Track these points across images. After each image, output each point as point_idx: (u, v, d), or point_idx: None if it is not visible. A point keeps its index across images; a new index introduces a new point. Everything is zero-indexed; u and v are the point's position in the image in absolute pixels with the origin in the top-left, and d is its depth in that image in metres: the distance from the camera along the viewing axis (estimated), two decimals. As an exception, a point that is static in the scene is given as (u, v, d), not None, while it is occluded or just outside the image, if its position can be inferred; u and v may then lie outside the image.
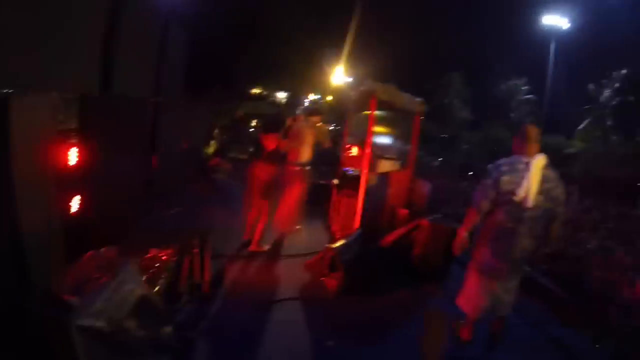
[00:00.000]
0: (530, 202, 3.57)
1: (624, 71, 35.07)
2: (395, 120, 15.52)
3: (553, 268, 7.11)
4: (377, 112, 7.25)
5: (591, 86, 36.67)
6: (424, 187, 8.53)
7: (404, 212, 7.12)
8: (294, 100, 41.98)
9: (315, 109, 7.47)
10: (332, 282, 5.13)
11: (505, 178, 3.64)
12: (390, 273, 5.73)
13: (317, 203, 8.56)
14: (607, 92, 36.01)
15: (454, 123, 41.23)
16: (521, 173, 3.62)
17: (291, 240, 7.00)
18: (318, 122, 7.21)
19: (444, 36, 45.13)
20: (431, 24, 45.25)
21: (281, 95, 46.59)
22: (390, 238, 6.05)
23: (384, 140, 14.76)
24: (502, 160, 3.77)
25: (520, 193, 3.56)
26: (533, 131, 3.91)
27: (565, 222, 18.11)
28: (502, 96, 42.36)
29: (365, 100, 7.09)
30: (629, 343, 4.65)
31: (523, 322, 5.09)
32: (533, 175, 3.57)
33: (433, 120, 42.69)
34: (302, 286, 5.28)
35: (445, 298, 4.65)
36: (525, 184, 3.57)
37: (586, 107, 36.91)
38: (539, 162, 3.67)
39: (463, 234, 3.92)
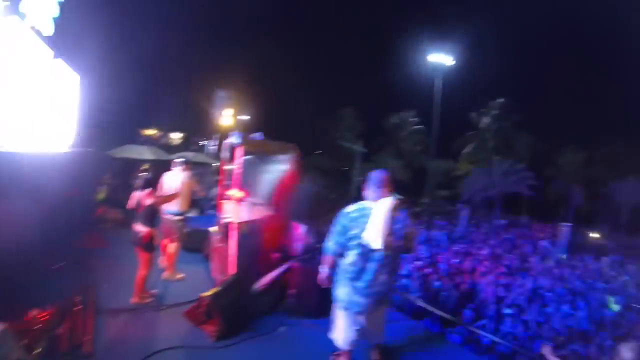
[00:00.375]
0: (378, 243, 3.66)
1: (500, 100, 38.99)
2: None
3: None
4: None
5: (473, 114, 40.24)
6: (299, 230, 8.75)
7: (275, 255, 7.08)
8: (189, 142, 41.18)
9: (186, 161, 7.71)
10: (210, 329, 5.10)
11: (352, 224, 3.82)
12: (269, 314, 5.86)
13: (200, 250, 8.67)
14: (486, 119, 39.48)
15: (347, 156, 41.98)
16: (367, 217, 3.75)
17: (174, 289, 6.79)
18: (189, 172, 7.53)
19: (336, 74, 46.67)
20: (325, 64, 46.83)
21: (175, 136, 45.44)
22: (265, 281, 6.13)
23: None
24: (350, 207, 3.95)
25: (368, 236, 3.69)
26: (380, 177, 3.97)
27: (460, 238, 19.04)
28: (392, 128, 44.07)
29: (233, 151, 7.31)
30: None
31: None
32: (379, 218, 3.68)
33: (328, 155, 44.05)
34: (183, 335, 5.11)
35: (322, 333, 4.62)
36: (371, 227, 3.69)
37: (470, 133, 40.12)
38: (385, 205, 3.75)
39: (324, 272, 4.13)
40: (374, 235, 3.64)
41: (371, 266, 3.78)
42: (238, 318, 5.26)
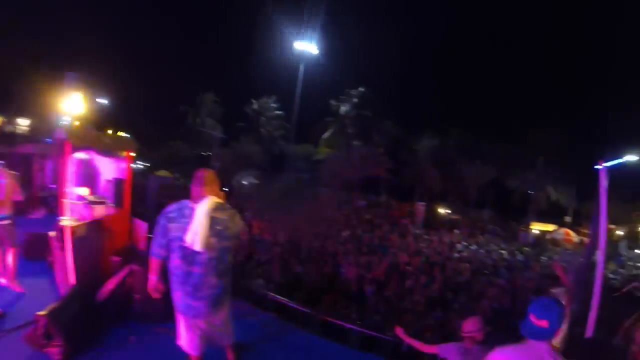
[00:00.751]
0: (200, 245, 3.48)
1: (361, 89, 40.03)
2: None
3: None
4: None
5: (333, 102, 40.64)
6: (143, 228, 7.90)
7: (116, 259, 6.38)
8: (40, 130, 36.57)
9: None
10: (53, 351, 4.33)
11: (172, 225, 3.60)
12: (116, 323, 5.17)
13: (43, 257, 7.47)
14: (345, 107, 40.26)
15: (207, 142, 40.35)
16: (187, 218, 3.55)
17: (15, 307, 5.65)
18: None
19: (197, 58, 44.78)
20: (184, 48, 44.61)
21: (23, 123, 39.80)
22: (107, 288, 5.52)
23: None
24: (170, 207, 3.71)
25: (188, 238, 3.49)
26: (203, 175, 3.75)
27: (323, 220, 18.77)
28: (253, 114, 43.07)
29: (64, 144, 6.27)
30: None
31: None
32: (199, 220, 3.51)
33: (186, 140, 41.97)
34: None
35: (173, 339, 4.12)
36: (192, 228, 3.50)
37: (329, 119, 40.47)
38: (206, 205, 3.59)
39: (152, 279, 3.76)
40: (195, 236, 3.46)
41: (196, 269, 3.58)
42: (83, 334, 4.69)
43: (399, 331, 4.61)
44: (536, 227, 34.25)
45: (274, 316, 5.85)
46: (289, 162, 35.23)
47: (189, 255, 3.57)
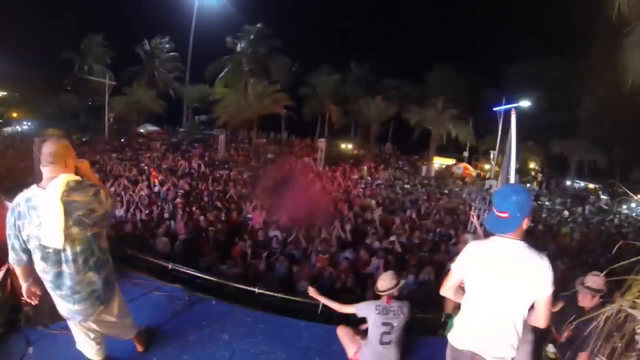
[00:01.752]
0: (60, 241, 2.76)
1: (258, 25, 38.60)
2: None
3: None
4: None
5: (229, 38, 39.00)
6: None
7: None
8: None
9: None
10: None
11: (22, 221, 2.80)
12: (8, 333, 4.28)
13: None
14: (242, 44, 38.92)
15: (97, 90, 37.47)
16: (38, 210, 2.76)
17: None
18: None
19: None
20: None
21: None
22: None
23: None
24: (17, 199, 2.86)
25: (44, 234, 2.75)
26: (50, 150, 2.88)
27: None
28: (145, 56, 40.53)
29: None
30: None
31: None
32: (52, 210, 2.73)
33: (75, 91, 38.86)
34: None
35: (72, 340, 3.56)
36: (45, 222, 2.73)
37: (225, 57, 38.90)
38: (58, 189, 2.75)
39: (24, 286, 3.16)
40: (51, 231, 2.75)
41: (66, 268, 2.94)
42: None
43: (312, 291, 4.33)
44: (437, 161, 35.62)
45: (181, 288, 5.21)
46: (185, 104, 34.06)
47: (51, 254, 2.91)
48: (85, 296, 3.07)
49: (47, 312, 4.17)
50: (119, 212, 10.26)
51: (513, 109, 3.77)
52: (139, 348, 3.90)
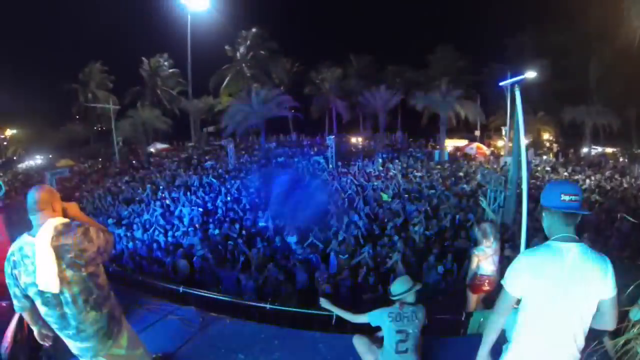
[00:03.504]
0: (55, 286, 2.78)
1: (253, 30, 38.89)
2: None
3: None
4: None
5: (227, 47, 39.37)
6: None
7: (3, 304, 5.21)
8: None
9: None
10: None
11: (18, 270, 2.84)
12: None
13: None
14: (241, 50, 39.25)
15: (103, 116, 37.98)
16: (31, 258, 2.80)
17: None
18: None
19: (73, 27, 41.67)
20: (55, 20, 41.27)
21: None
22: (7, 341, 4.41)
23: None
24: (11, 248, 2.92)
25: (40, 281, 2.77)
26: (34, 197, 2.90)
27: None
28: (146, 76, 40.80)
29: None
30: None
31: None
32: (43, 256, 2.75)
33: (81, 120, 39.31)
34: None
35: None
36: (39, 269, 2.75)
37: (226, 66, 39.21)
38: (46, 235, 2.77)
39: (35, 330, 3.25)
40: (45, 277, 2.78)
41: (67, 310, 2.97)
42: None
43: (324, 302, 4.20)
44: (449, 144, 35.13)
45: (195, 309, 5.21)
46: (192, 118, 34.26)
47: (51, 298, 2.94)
48: (92, 334, 3.09)
49: (66, 349, 4.31)
50: (139, 234, 10.35)
51: (516, 85, 3.73)
52: None
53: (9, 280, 2.97)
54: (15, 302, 3.07)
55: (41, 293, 2.88)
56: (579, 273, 2.21)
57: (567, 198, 2.28)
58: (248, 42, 38.91)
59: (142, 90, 40.26)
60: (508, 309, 2.46)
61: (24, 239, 2.91)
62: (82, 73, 39.61)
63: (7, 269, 2.94)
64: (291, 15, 47.67)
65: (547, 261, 2.27)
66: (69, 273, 2.88)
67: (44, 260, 2.81)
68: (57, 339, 3.43)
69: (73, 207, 3.14)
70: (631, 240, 9.05)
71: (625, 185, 19.27)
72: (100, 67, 40.13)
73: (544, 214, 2.44)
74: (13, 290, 3.00)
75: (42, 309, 2.98)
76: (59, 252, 2.84)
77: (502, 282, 2.42)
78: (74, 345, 3.17)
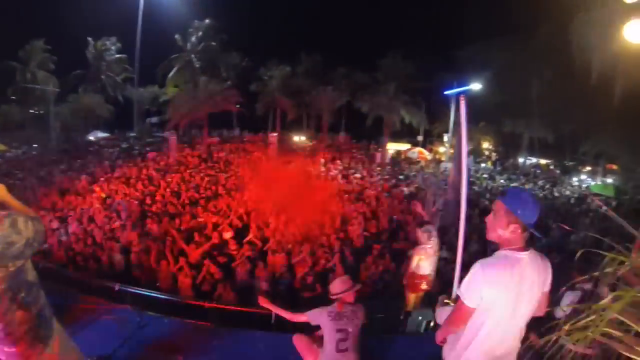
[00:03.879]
0: None
1: (207, 21, 38.73)
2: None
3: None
4: None
5: (177, 36, 38.73)
6: None
7: None
8: None
9: None
10: None
11: None
12: None
13: None
14: (192, 40, 38.81)
15: (42, 99, 36.15)
16: None
17: None
18: None
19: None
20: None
21: None
22: None
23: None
24: None
25: None
26: None
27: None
28: (91, 59, 39.28)
29: None
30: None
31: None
32: None
33: (18, 102, 36.92)
34: None
35: None
36: None
37: (175, 55, 38.54)
38: None
39: None
40: None
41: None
42: None
43: (262, 301, 4.15)
44: (391, 147, 36.00)
45: (131, 309, 5.07)
46: (136, 107, 33.39)
47: None
48: (20, 335, 2.82)
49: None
50: (71, 228, 10.10)
51: (461, 96, 3.96)
52: None
53: None
54: None
55: None
56: (529, 279, 2.34)
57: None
58: (200, 33, 38.53)
59: (86, 74, 38.72)
60: (464, 321, 2.47)
61: None
62: (22, 50, 37.09)
63: None
64: (244, 10, 47.16)
65: (505, 271, 2.31)
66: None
67: None
68: None
69: (1, 191, 2.80)
70: (562, 245, 9.73)
71: (556, 194, 20.78)
72: (43, 45, 37.67)
73: None
74: None
75: None
76: None
77: (459, 292, 2.44)
78: (1, 350, 2.87)
